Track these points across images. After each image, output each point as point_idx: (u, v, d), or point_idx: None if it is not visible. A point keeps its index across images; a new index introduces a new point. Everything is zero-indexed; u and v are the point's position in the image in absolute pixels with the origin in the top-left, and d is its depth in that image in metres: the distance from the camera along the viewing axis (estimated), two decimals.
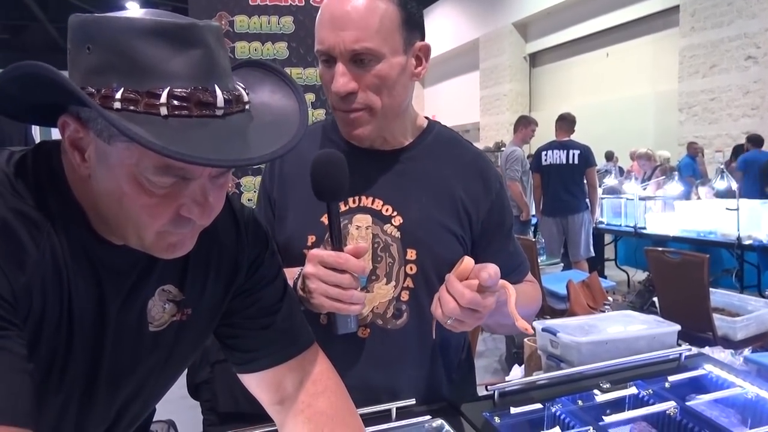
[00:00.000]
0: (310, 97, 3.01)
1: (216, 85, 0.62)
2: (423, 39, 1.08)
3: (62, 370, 0.72)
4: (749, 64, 9.54)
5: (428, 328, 1.07)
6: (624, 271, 6.35)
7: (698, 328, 3.17)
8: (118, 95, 0.58)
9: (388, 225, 1.10)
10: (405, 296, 1.10)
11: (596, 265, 5.79)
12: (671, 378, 1.22)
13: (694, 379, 1.25)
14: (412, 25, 1.05)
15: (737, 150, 6.69)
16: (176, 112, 0.59)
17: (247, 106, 0.67)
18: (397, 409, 1.06)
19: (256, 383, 0.91)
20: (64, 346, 0.71)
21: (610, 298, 3.78)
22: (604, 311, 3.61)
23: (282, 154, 0.65)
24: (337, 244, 0.98)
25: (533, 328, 3.00)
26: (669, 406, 1.12)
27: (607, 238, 6.60)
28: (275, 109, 0.70)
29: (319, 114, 3.01)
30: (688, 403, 1.14)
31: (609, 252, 6.73)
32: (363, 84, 1.01)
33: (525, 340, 3.24)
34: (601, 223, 6.07)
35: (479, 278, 0.92)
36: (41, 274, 0.66)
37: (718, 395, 1.18)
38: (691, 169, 7.68)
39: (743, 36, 9.57)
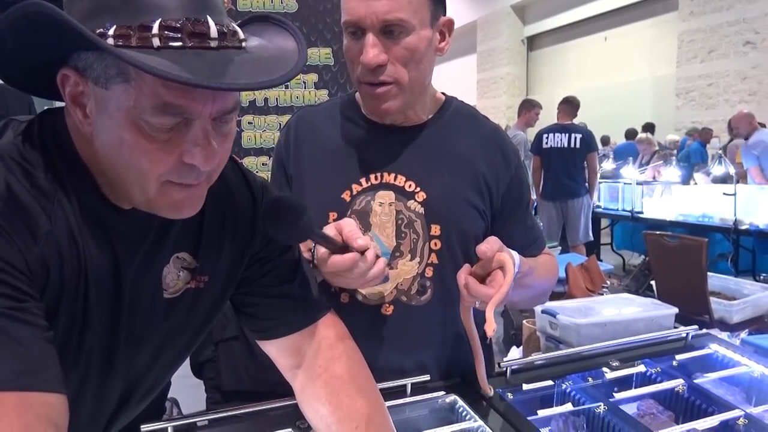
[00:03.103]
0: (312, 77, 2.99)
1: (209, 17, 0.63)
2: (445, 13, 1.07)
3: (80, 339, 0.73)
4: (747, 50, 9.54)
5: (452, 305, 1.08)
6: (619, 255, 6.40)
7: (695, 311, 3.20)
8: (111, 32, 0.59)
9: (412, 201, 1.09)
10: (429, 272, 1.10)
11: (593, 249, 5.83)
12: (679, 357, 1.24)
13: (700, 357, 1.27)
14: None
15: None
16: (169, 44, 0.60)
17: (243, 44, 0.67)
18: (412, 384, 1.07)
19: (275, 350, 0.92)
20: (81, 316, 0.72)
21: (608, 282, 3.82)
22: (602, 294, 3.64)
23: (281, 83, 0.65)
24: (340, 248, 0.92)
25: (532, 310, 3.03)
26: (677, 383, 1.14)
27: (603, 222, 6.64)
28: (273, 49, 0.70)
29: (322, 95, 3.00)
30: (695, 381, 1.16)
31: (604, 236, 6.78)
32: (392, 56, 1.00)
33: (524, 321, 3.27)
34: (598, 207, 6.10)
35: (478, 252, 0.92)
36: (56, 245, 0.67)
37: (724, 374, 1.21)
38: (699, 155, 7.66)
39: (742, 21, 9.55)
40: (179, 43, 0.60)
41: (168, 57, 0.59)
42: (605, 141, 10.33)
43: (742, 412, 1.03)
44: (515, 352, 3.46)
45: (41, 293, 0.65)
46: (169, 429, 0.93)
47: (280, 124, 2.98)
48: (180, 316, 0.84)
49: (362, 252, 0.91)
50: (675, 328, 2.45)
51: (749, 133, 5.47)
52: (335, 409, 0.84)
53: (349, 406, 0.84)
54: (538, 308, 2.92)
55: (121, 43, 0.59)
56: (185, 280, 0.83)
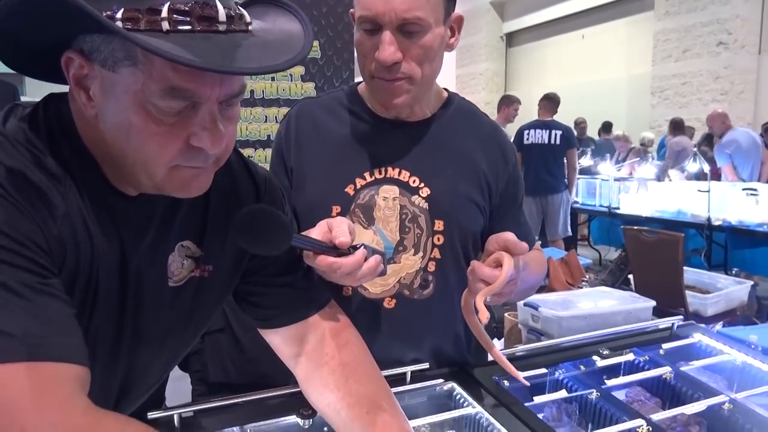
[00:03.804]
0: (299, 70, 2.99)
1: (217, 0, 0.63)
2: (454, 9, 1.07)
3: (87, 325, 0.73)
4: (720, 50, 9.74)
5: (453, 299, 1.10)
6: (596, 250, 6.51)
7: (671, 304, 3.29)
8: (119, 15, 0.59)
9: (416, 196, 1.10)
10: (432, 267, 1.12)
11: (571, 243, 5.93)
12: (665, 345, 1.29)
13: (685, 346, 1.32)
14: None
15: (708, 138, 6.87)
16: (178, 27, 0.60)
17: (249, 27, 0.67)
18: (412, 372, 1.09)
19: (279, 339, 0.93)
20: (92, 302, 0.72)
21: (587, 276, 3.89)
22: (581, 287, 3.72)
23: (290, 66, 0.66)
24: (328, 248, 0.88)
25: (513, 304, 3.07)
26: (665, 371, 1.19)
27: (581, 217, 6.75)
28: (278, 32, 0.70)
29: (309, 87, 3.00)
30: (681, 369, 1.20)
31: (581, 231, 6.89)
32: (408, 54, 1.00)
33: (505, 314, 3.33)
34: (576, 202, 6.20)
35: (509, 244, 0.93)
36: (71, 228, 0.67)
37: (708, 362, 1.25)
38: None
39: (715, 22, 9.75)
40: (188, 27, 0.60)
41: (177, 41, 0.59)
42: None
43: (728, 398, 1.08)
44: (497, 344, 3.52)
45: (59, 272, 0.66)
46: (176, 417, 0.94)
47: (266, 117, 2.97)
48: (184, 304, 0.85)
49: (346, 250, 0.87)
50: (652, 320, 2.52)
51: (723, 132, 5.60)
52: (344, 395, 0.85)
53: (357, 391, 0.85)
54: (519, 301, 2.97)
55: (129, 27, 0.59)
56: (189, 269, 0.83)
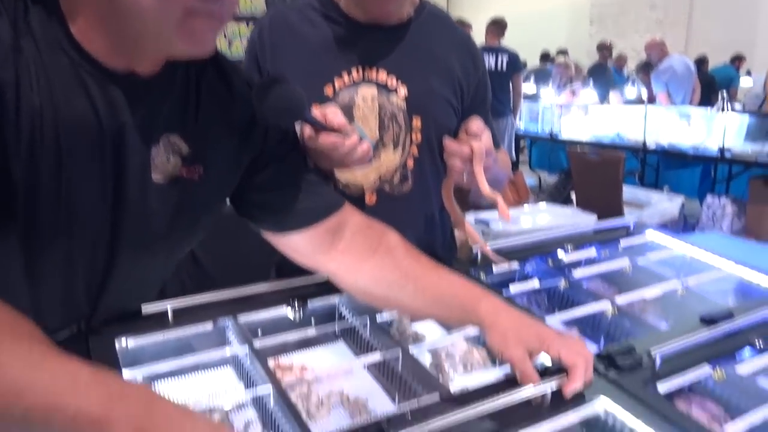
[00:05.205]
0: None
1: None
2: None
3: (59, 189, 0.71)
4: None
5: (430, 195, 1.15)
6: (537, 174, 6.73)
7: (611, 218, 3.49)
8: None
9: (394, 95, 1.13)
10: (410, 163, 1.16)
11: (514, 168, 6.10)
12: (623, 242, 1.38)
13: (640, 244, 1.42)
14: None
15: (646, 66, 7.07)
16: None
17: None
18: None
19: (306, 239, 0.92)
20: (54, 168, 0.69)
21: (531, 195, 4.04)
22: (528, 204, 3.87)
23: None
24: (327, 130, 0.91)
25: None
26: (624, 263, 1.28)
27: (521, 143, 6.92)
28: None
29: (259, 2, 2.88)
30: (639, 263, 1.30)
31: (522, 156, 7.08)
32: None
33: (456, 231, 3.43)
34: (519, 128, 6.32)
35: (468, 129, 1.03)
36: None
37: (662, 255, 1.36)
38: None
39: None
40: None
41: None
42: (523, 65, 10.58)
43: (680, 284, 1.18)
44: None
45: None
46: (169, 309, 0.95)
47: None
48: (169, 203, 0.82)
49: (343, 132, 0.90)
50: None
51: (660, 59, 5.78)
52: (406, 271, 0.90)
53: (416, 266, 0.90)
54: (471, 218, 3.07)
55: None
56: (175, 165, 0.81)
